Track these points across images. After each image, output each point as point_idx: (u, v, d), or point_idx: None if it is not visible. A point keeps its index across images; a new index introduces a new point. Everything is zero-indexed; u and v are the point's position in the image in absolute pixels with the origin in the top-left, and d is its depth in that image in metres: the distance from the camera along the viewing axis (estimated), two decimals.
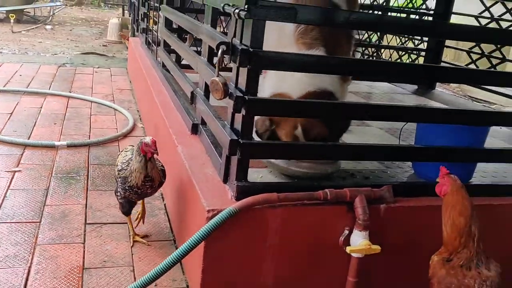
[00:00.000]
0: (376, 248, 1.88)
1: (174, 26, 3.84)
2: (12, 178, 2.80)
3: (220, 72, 1.76)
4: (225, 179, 1.96)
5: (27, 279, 1.95)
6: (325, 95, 2.06)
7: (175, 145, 2.42)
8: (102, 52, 7.61)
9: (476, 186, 2.25)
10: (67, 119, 3.96)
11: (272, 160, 2.07)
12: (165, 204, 2.70)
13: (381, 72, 2.26)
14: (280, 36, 2.19)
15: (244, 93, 1.75)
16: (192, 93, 2.51)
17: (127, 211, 2.29)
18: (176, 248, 2.25)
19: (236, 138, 1.79)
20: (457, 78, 2.41)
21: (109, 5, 15.77)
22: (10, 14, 9.13)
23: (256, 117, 2.18)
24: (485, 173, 2.53)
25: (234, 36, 1.76)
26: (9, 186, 2.69)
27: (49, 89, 4.73)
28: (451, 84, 8.33)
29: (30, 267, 2.03)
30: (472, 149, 2.19)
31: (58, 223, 2.38)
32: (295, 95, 2.05)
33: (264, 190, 1.84)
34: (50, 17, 10.96)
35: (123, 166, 2.21)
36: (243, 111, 1.76)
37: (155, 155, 2.13)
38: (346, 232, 1.93)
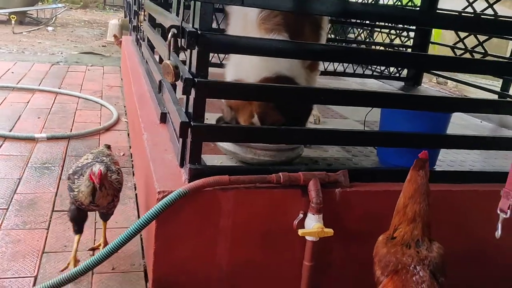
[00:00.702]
0: (329, 231, 1.88)
1: (158, 21, 3.87)
2: None
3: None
4: (182, 163, 1.98)
5: None
6: (282, 81, 2.07)
7: (142, 133, 2.44)
8: (100, 52, 7.68)
9: (439, 173, 2.25)
10: (52, 114, 4.00)
11: (231, 149, 2.07)
12: (136, 194, 2.72)
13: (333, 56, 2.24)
14: (245, 23, 2.20)
15: (194, 76, 1.77)
16: (159, 82, 2.54)
17: (75, 220, 2.02)
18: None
19: (186, 120, 1.81)
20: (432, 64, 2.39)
21: (114, 8, 15.93)
22: (12, 16, 9.26)
23: (222, 106, 2.21)
24: (452, 162, 2.53)
25: (183, 19, 1.78)
26: None
27: (38, 85, 4.78)
28: (448, 83, 8.31)
29: None
30: (434, 135, 2.19)
31: (25, 210, 2.41)
32: (251, 80, 2.06)
33: (218, 174, 1.85)
34: (53, 19, 11.08)
35: (76, 170, 1.98)
36: (193, 93, 1.78)
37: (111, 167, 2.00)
38: (301, 215, 1.93)
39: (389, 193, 1.98)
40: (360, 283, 2.04)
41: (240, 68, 2.11)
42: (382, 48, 4.88)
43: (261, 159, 2.06)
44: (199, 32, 1.70)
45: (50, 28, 10.17)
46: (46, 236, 2.20)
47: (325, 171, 1.97)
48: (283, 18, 2.16)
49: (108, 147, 2.24)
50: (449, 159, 2.56)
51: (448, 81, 7.92)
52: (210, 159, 2.14)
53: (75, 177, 1.95)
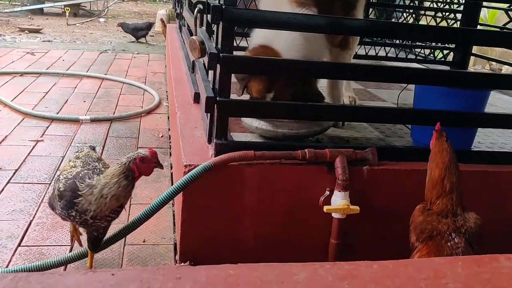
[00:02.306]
0: (355, 208, 1.87)
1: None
2: (34, 146, 2.99)
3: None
4: (209, 139, 2.01)
5: (27, 230, 2.10)
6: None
7: (176, 113, 2.50)
8: (147, 41, 7.86)
9: (476, 153, 2.18)
10: (97, 98, 4.16)
11: (254, 123, 2.08)
12: (171, 173, 2.79)
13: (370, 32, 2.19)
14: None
15: (219, 51, 1.79)
16: (192, 62, 2.58)
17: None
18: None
19: (212, 95, 1.84)
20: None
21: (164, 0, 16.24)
22: (66, 8, 9.63)
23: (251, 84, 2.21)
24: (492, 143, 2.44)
25: None
26: (29, 153, 2.88)
27: (86, 72, 4.97)
28: (502, 70, 7.94)
29: (31, 220, 2.17)
30: (469, 113, 2.11)
31: None
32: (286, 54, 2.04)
33: (244, 149, 1.87)
34: (105, 11, 11.43)
35: (68, 184, 1.62)
36: (218, 69, 1.80)
37: None
38: (327, 193, 1.92)
39: (419, 172, 1.93)
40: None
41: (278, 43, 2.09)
42: None
43: (284, 131, 2.05)
44: (223, 6, 1.72)
45: (101, 20, 10.50)
46: None
47: (352, 149, 1.95)
48: None
49: (93, 148, 1.93)
50: (488, 141, 2.47)
51: (504, 67, 7.56)
52: (238, 136, 2.16)
53: (74, 189, 1.60)
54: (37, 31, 8.00)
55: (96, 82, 4.67)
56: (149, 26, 7.55)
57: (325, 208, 1.86)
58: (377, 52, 4.34)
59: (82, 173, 1.65)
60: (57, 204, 1.65)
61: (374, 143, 2.28)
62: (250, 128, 2.14)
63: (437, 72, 2.18)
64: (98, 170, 1.69)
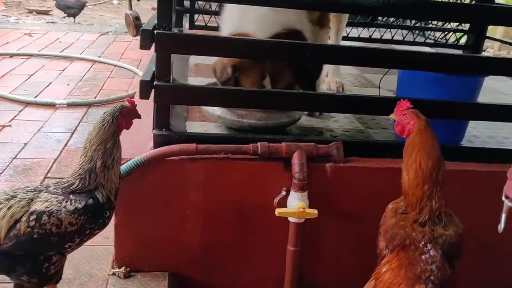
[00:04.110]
0: (312, 212, 1.61)
1: None
2: None
3: None
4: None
5: None
6: (294, 37, 1.78)
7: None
8: (75, 21, 7.48)
9: (467, 150, 1.89)
10: (83, 81, 3.97)
11: (217, 114, 1.83)
12: None
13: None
14: None
15: (155, 27, 1.55)
16: None
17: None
18: None
19: (147, 79, 1.59)
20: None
21: None
22: None
23: (216, 63, 1.95)
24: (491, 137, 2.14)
25: None
26: None
27: (80, 54, 4.79)
28: None
29: None
30: (459, 103, 1.81)
31: (18, 175, 2.34)
32: (259, 36, 1.79)
33: (188, 141, 1.63)
34: None
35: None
36: (154, 48, 1.56)
37: None
38: (283, 193, 1.67)
39: (393, 170, 1.64)
40: (356, 271, 1.74)
41: (243, 20, 1.83)
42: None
43: (248, 122, 1.79)
44: None
45: (115, 2, 10.32)
46: None
47: (314, 142, 1.68)
48: None
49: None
50: (486, 135, 2.16)
51: None
52: (196, 126, 1.92)
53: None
54: (45, 12, 7.87)
55: (87, 64, 4.48)
56: (81, 5, 7.20)
57: (277, 211, 1.61)
58: (382, 34, 4.02)
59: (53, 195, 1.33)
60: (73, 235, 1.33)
61: (351, 136, 2.01)
62: (212, 118, 1.90)
63: (421, 55, 1.88)
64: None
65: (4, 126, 2.90)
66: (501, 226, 1.09)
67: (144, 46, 1.55)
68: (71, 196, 1.32)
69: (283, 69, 1.84)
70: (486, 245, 1.79)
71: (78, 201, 1.32)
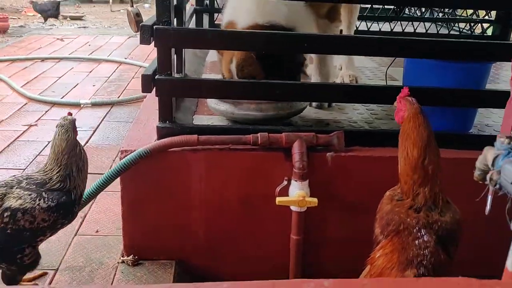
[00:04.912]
0: (312, 200, 1.63)
1: None
2: (25, 131, 2.95)
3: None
4: None
5: None
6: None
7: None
8: (55, 24, 7.56)
9: (476, 138, 1.86)
10: (108, 82, 4.09)
11: (217, 106, 1.87)
12: None
13: None
14: None
15: (154, 23, 1.60)
16: None
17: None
18: None
19: (148, 73, 1.65)
20: None
21: None
22: None
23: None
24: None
25: None
26: (17, 138, 2.85)
27: (107, 56, 4.93)
28: None
29: None
30: (467, 90, 1.79)
31: None
32: (241, 25, 1.82)
33: (191, 133, 1.68)
34: None
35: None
36: (154, 42, 1.61)
37: None
38: (285, 182, 1.69)
39: (394, 159, 1.64)
40: (358, 259, 1.74)
41: (235, 11, 1.87)
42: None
43: (249, 114, 1.82)
44: None
45: (146, 5, 10.54)
46: None
47: (314, 132, 1.69)
48: None
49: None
50: (499, 124, 2.11)
51: None
52: (202, 119, 1.96)
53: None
54: (78, 18, 8.14)
55: (114, 66, 4.61)
56: (56, 6, 7.22)
57: (277, 200, 1.63)
58: (404, 28, 3.97)
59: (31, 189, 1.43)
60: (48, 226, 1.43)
61: (358, 126, 2.00)
62: (216, 112, 1.94)
63: (426, 42, 1.86)
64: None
65: (30, 126, 3.03)
66: (488, 208, 1.07)
67: (144, 41, 1.60)
68: (43, 193, 1.41)
69: (249, 58, 1.81)
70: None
71: (51, 200, 1.41)
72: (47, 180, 1.44)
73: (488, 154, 0.78)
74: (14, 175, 1.50)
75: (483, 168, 0.79)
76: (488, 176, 0.77)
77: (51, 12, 7.10)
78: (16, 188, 1.41)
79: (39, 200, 1.40)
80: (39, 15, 7.35)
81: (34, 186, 1.42)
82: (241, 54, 1.77)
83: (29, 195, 1.40)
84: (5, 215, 1.36)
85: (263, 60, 1.76)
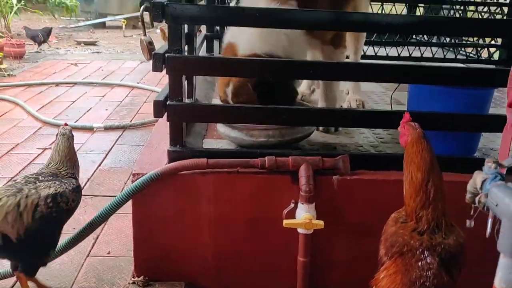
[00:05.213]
0: (318, 223, 1.66)
1: None
2: (40, 154, 3.03)
3: None
4: None
5: None
6: None
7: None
8: (41, 48, 7.66)
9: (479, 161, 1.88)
10: (121, 106, 4.19)
11: (224, 131, 1.92)
12: None
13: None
14: None
15: (166, 51, 1.67)
16: None
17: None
18: None
19: (160, 99, 1.71)
20: None
21: None
22: (123, 20, 9.98)
23: None
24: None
25: None
26: (32, 161, 2.92)
27: (120, 81, 5.05)
28: None
29: None
30: (470, 115, 1.83)
31: None
32: (240, 52, 1.88)
33: (201, 157, 1.73)
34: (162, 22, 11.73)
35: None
36: (165, 70, 1.68)
37: None
38: (292, 205, 1.73)
39: (399, 183, 1.68)
40: (365, 280, 1.77)
41: (236, 35, 1.93)
42: None
43: (257, 140, 1.87)
44: (165, 3, 1.60)
45: (158, 31, 10.77)
46: None
47: (320, 156, 1.74)
48: None
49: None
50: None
51: None
52: (211, 143, 2.02)
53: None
54: (92, 43, 8.33)
55: (126, 90, 4.72)
56: (47, 32, 7.23)
57: (284, 222, 1.67)
58: (410, 53, 4.03)
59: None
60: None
61: (364, 150, 2.04)
62: (222, 136, 1.99)
63: (429, 69, 1.91)
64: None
65: (45, 149, 3.11)
66: (488, 231, 1.10)
67: (156, 68, 1.67)
68: (63, 181, 1.68)
69: (244, 85, 1.85)
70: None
71: (71, 184, 1.68)
72: (57, 172, 1.71)
73: (477, 178, 0.82)
74: (24, 176, 1.69)
75: (473, 191, 0.84)
76: (476, 199, 0.81)
77: (41, 40, 7.16)
78: (38, 182, 1.63)
79: (64, 185, 1.64)
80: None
81: (51, 178, 1.67)
82: (238, 80, 1.83)
83: (54, 183, 1.64)
84: (48, 201, 1.57)
85: (257, 87, 1.81)
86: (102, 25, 10.80)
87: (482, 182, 0.80)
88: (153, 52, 1.66)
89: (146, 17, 1.76)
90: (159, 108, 1.70)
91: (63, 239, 1.75)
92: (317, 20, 1.71)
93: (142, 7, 1.68)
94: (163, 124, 2.24)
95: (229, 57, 1.78)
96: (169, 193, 1.74)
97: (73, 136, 1.84)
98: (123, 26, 9.81)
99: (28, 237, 1.54)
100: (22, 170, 2.79)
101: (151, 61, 1.76)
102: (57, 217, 1.61)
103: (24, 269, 1.64)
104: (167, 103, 1.71)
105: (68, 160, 1.75)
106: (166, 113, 1.73)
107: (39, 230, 1.56)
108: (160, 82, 5.09)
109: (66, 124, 1.89)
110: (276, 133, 1.89)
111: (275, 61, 1.74)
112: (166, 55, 1.65)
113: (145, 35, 1.72)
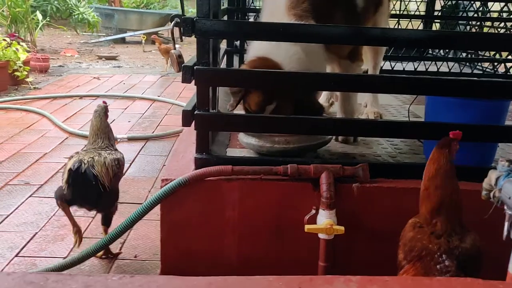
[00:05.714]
0: (339, 228, 1.72)
1: None
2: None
3: None
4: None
5: (29, 241, 2.18)
6: None
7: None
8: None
9: None
10: (143, 118, 4.31)
11: (246, 141, 2.01)
12: None
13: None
14: (272, 10, 2.13)
15: (195, 63, 1.77)
16: None
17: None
18: None
19: (188, 109, 1.81)
20: None
21: None
22: (142, 36, 10.20)
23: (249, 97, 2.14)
24: None
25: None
26: (60, 169, 3.03)
27: (141, 94, 5.18)
28: None
29: (37, 232, 2.27)
30: (486, 126, 1.89)
31: None
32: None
33: (226, 164, 1.81)
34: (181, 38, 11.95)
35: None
36: (194, 82, 1.77)
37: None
38: (313, 211, 1.80)
39: (416, 191, 1.74)
40: None
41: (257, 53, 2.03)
42: None
43: (275, 147, 1.95)
44: (195, 18, 1.70)
45: (177, 46, 10.97)
46: (89, 223, 2.35)
47: (340, 164, 1.81)
48: (312, 3, 2.04)
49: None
50: None
51: None
52: (234, 152, 2.10)
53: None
54: (113, 58, 8.53)
55: (147, 103, 4.85)
56: None
57: (306, 227, 1.74)
58: (427, 67, 4.09)
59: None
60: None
61: (382, 160, 2.11)
62: (242, 144, 2.07)
63: (447, 82, 1.98)
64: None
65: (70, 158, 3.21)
66: (505, 234, 1.17)
67: (185, 80, 1.76)
68: (112, 151, 2.08)
69: (288, 101, 1.98)
70: None
71: (120, 153, 2.11)
72: (103, 146, 2.08)
73: (492, 175, 0.89)
74: (76, 152, 2.12)
75: (488, 188, 0.90)
76: (491, 194, 0.88)
77: None
78: (95, 153, 2.02)
79: (116, 153, 2.07)
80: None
81: (102, 150, 2.05)
82: (281, 97, 1.92)
83: (109, 153, 2.04)
84: (116, 163, 2.02)
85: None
86: (122, 40, 11.04)
87: (496, 179, 0.87)
88: (182, 65, 1.75)
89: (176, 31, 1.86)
90: (188, 117, 1.80)
91: (93, 242, 1.85)
92: (338, 35, 1.80)
93: (173, 22, 1.77)
94: (187, 133, 2.34)
95: (253, 70, 1.86)
96: (196, 198, 1.82)
97: (105, 113, 2.13)
98: (143, 41, 10.02)
99: (111, 188, 1.97)
100: (51, 178, 2.90)
101: (176, 73, 1.86)
102: (118, 175, 2.05)
103: (105, 221, 2.06)
104: (195, 112, 1.80)
105: (101, 133, 2.08)
106: (194, 122, 1.82)
107: (113, 184, 2.00)
108: (180, 95, 5.22)
109: (104, 102, 2.18)
110: (293, 140, 1.97)
111: (306, 74, 1.82)
112: (195, 67, 1.74)
113: (174, 48, 1.82)
